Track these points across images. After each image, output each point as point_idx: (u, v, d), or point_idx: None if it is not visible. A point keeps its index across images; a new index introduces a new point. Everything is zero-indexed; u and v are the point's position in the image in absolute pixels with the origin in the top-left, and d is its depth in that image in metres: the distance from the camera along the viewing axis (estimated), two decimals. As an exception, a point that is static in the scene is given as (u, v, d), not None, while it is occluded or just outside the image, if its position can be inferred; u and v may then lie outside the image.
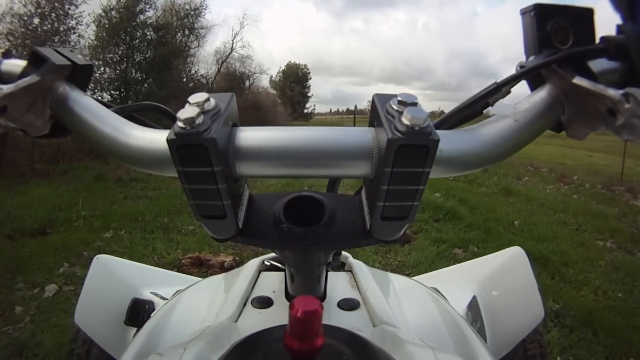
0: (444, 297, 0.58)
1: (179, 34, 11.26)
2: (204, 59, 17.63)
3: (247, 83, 18.96)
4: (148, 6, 9.29)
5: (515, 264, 0.81)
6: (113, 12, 8.56)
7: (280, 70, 42.63)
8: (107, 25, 8.37)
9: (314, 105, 45.60)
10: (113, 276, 0.78)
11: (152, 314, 0.66)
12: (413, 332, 0.40)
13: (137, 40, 8.99)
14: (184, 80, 11.59)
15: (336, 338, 0.29)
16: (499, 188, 5.32)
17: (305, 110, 46.24)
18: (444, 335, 0.46)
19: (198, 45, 12.75)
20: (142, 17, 9.19)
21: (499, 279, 0.81)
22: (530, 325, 0.72)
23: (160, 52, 9.22)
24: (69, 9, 7.32)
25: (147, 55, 9.25)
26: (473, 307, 0.73)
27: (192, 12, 12.52)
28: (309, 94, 43.77)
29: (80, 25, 7.53)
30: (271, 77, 39.35)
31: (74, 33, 7.48)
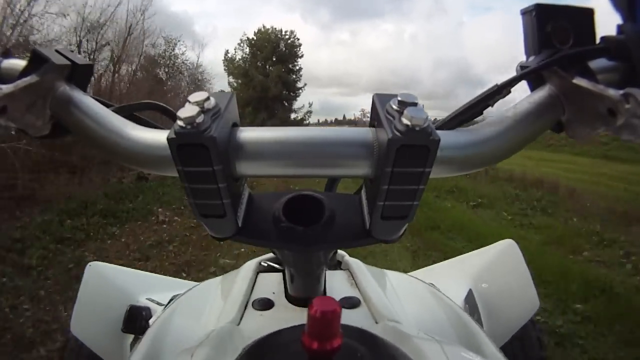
0: (441, 292, 0.58)
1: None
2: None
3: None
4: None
5: (508, 256, 0.83)
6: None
7: (245, 38, 20.72)
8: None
9: (309, 105, 22.27)
10: (107, 283, 0.77)
11: (150, 320, 0.66)
12: (416, 327, 0.40)
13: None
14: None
15: (348, 336, 0.28)
16: None
17: (294, 116, 21.86)
18: (447, 328, 0.46)
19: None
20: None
21: (493, 271, 0.82)
22: (526, 316, 0.73)
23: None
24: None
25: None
26: (469, 300, 0.75)
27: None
28: (300, 85, 21.36)
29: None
30: (226, 51, 20.80)
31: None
